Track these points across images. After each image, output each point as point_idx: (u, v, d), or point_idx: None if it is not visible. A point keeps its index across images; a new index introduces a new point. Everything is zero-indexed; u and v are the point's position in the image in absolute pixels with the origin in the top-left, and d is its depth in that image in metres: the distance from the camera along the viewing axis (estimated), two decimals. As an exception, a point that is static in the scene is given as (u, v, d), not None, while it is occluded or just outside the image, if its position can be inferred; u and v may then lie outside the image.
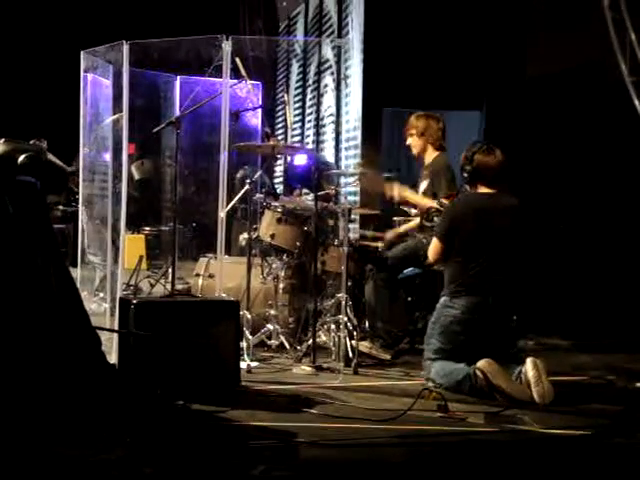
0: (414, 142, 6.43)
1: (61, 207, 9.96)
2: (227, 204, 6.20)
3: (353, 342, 5.84)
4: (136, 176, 10.23)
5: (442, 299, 5.46)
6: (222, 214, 6.11)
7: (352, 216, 6.72)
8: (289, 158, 8.10)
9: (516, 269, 5.47)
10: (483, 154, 5.46)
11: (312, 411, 4.68)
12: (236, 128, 6.25)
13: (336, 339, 5.91)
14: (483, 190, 5.50)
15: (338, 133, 8.64)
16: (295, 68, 11.20)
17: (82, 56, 6.99)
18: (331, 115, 8.99)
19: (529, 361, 5.07)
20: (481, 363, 5.10)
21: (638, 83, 6.77)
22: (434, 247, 5.56)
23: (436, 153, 6.40)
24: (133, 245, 9.33)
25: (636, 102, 6.80)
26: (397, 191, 6.28)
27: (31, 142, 8.01)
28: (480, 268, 5.35)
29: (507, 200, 5.52)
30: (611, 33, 6.87)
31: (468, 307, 5.33)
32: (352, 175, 6.88)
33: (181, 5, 13.04)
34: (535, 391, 4.96)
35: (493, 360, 5.12)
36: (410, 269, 6.32)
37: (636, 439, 4.38)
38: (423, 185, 6.40)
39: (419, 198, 6.27)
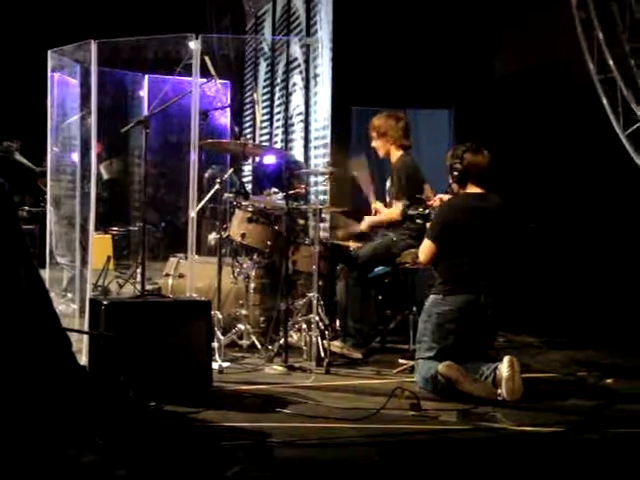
0: (377, 144, 6.37)
1: (27, 208, 9.87)
2: (197, 204, 6.16)
3: (324, 341, 5.83)
4: (105, 176, 10.15)
5: (432, 297, 5.41)
6: (193, 214, 6.07)
7: (323, 215, 6.70)
8: (258, 158, 8.07)
9: (503, 268, 5.49)
10: (473, 153, 5.45)
11: (285, 411, 4.68)
12: (205, 127, 6.21)
13: (307, 339, 5.90)
14: (473, 189, 5.49)
15: (307, 132, 8.62)
16: (263, 67, 11.15)
17: (49, 55, 6.93)
18: (300, 114, 8.97)
19: (506, 359, 5.08)
20: (441, 368, 5.09)
21: (606, 81, 6.82)
22: (427, 249, 5.49)
23: (400, 152, 6.31)
24: (100, 245, 9.25)
25: (604, 100, 6.86)
26: (366, 224, 6.35)
27: (5, 144, 7.97)
28: (473, 267, 5.34)
29: (495, 199, 5.53)
30: (579, 32, 6.92)
31: (460, 305, 5.30)
32: (322, 174, 6.87)
33: (148, 3, 12.96)
34: (505, 387, 4.98)
35: (453, 362, 5.10)
36: (380, 268, 6.32)
37: (607, 435, 4.42)
38: (388, 185, 6.41)
39: (386, 215, 6.29)
